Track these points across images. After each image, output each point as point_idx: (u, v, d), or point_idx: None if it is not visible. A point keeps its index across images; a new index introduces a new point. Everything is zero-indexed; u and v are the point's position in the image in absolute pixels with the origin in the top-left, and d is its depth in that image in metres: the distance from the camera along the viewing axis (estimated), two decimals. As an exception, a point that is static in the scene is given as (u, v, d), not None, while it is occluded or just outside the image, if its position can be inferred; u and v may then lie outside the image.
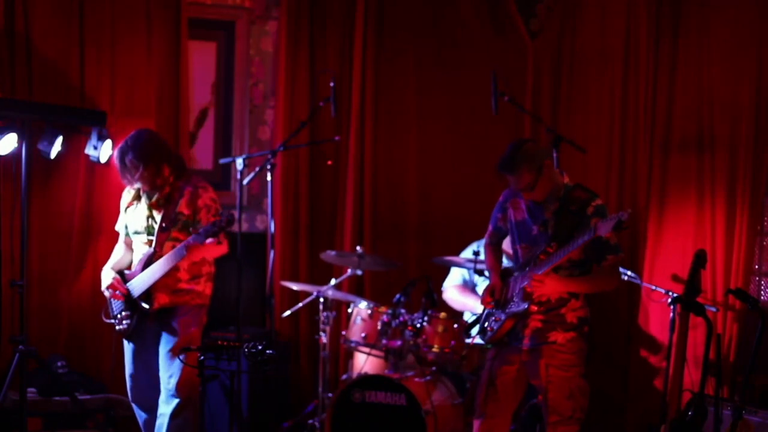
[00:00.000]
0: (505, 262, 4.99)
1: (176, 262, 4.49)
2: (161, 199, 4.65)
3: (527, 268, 4.14)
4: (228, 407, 5.36)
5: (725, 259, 5.45)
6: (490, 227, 4.49)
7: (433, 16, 6.48)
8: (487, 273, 4.91)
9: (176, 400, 4.56)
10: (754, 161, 5.41)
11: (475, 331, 4.71)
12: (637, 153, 5.91)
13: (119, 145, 4.64)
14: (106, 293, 4.73)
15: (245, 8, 6.29)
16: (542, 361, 4.11)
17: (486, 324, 4.31)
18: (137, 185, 4.69)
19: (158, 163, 4.58)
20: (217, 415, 5.53)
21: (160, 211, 4.64)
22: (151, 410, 4.72)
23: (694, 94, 5.66)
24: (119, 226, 4.88)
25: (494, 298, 4.28)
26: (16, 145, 5.17)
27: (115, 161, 4.65)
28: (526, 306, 4.08)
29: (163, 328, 4.63)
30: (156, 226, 4.63)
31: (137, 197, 4.76)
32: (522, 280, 4.15)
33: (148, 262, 4.59)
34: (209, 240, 4.43)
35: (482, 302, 4.35)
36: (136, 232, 4.73)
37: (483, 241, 4.67)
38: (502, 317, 4.19)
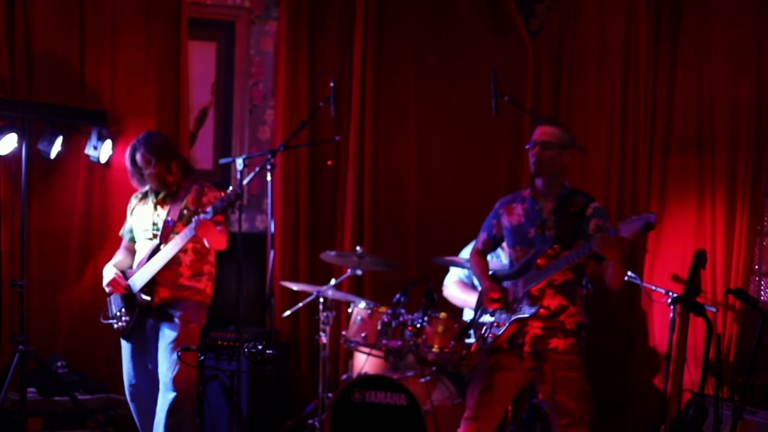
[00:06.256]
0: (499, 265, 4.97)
1: (186, 241, 4.54)
2: (168, 197, 4.73)
3: (527, 273, 4.08)
4: (228, 407, 5.36)
5: (725, 259, 5.45)
6: (483, 235, 4.37)
7: (432, 17, 6.48)
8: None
9: (173, 394, 4.57)
10: (754, 161, 5.41)
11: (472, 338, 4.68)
12: (637, 153, 5.91)
13: (129, 146, 4.76)
14: (107, 290, 4.76)
15: (245, 8, 6.29)
16: (547, 365, 4.07)
17: (485, 330, 4.20)
18: (146, 186, 4.77)
19: (168, 160, 4.71)
20: (217, 415, 5.53)
21: (165, 208, 4.71)
22: (148, 410, 4.73)
23: (694, 94, 5.66)
24: (123, 231, 4.94)
25: (501, 298, 4.14)
26: (16, 145, 5.19)
27: (126, 161, 4.77)
28: (535, 310, 4.02)
29: (162, 323, 4.66)
30: (160, 222, 4.68)
31: (144, 199, 4.83)
32: (524, 284, 4.08)
33: (152, 254, 4.64)
34: (219, 228, 4.55)
35: (486, 305, 4.20)
36: (142, 230, 4.77)
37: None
38: (507, 322, 4.09)
